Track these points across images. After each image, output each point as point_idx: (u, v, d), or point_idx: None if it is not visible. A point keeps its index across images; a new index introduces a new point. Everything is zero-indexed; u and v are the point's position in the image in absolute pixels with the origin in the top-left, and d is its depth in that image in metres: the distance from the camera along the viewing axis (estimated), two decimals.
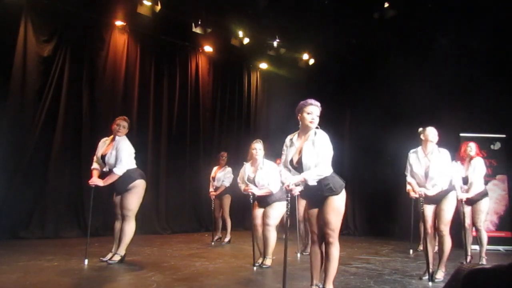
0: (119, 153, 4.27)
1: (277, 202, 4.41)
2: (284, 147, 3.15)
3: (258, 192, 4.45)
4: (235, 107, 9.38)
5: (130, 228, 4.33)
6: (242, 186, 4.64)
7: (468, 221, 5.12)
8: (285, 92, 9.63)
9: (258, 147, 4.53)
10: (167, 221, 7.85)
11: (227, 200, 6.59)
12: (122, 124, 4.40)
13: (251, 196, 4.51)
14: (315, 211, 3.03)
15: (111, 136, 4.47)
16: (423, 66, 7.21)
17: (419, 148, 4.08)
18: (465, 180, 4.94)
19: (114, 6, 7.24)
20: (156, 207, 7.74)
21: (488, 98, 6.83)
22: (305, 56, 9.23)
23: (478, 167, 4.90)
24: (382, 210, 8.33)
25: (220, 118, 9.15)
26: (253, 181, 4.52)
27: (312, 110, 3.03)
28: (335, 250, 2.95)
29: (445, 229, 3.92)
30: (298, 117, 3.09)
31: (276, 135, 9.09)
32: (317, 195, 2.97)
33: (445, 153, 3.99)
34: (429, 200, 3.95)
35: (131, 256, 4.69)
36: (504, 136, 7.13)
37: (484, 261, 4.91)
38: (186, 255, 5.19)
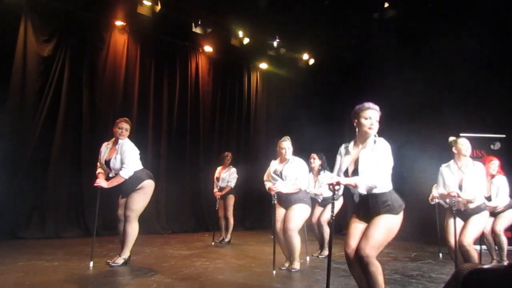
0: (124, 156, 4.16)
1: (299, 204, 4.21)
2: (338, 156, 2.86)
3: (284, 190, 4.19)
4: (235, 107, 9.38)
5: (132, 229, 4.18)
6: (267, 184, 4.37)
7: (488, 227, 4.95)
8: (285, 92, 9.64)
9: (286, 146, 4.27)
10: (167, 221, 7.85)
11: (231, 201, 6.59)
12: (124, 127, 4.26)
13: (275, 197, 4.23)
14: (362, 227, 2.67)
15: (113, 139, 4.35)
16: (423, 66, 7.21)
17: (452, 162, 3.91)
18: (488, 199, 4.66)
19: (114, 6, 7.24)
20: (156, 207, 7.72)
21: (488, 98, 6.84)
22: (305, 56, 9.25)
23: (502, 186, 4.73)
24: None
25: (220, 118, 9.15)
26: (280, 174, 4.27)
27: (371, 115, 2.69)
28: (375, 269, 2.52)
29: (470, 243, 3.70)
30: (354, 123, 2.77)
31: (276, 135, 9.10)
32: (369, 212, 2.62)
33: (480, 166, 3.82)
34: (461, 215, 3.80)
35: (131, 256, 4.69)
36: (504, 136, 7.13)
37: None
38: (186, 255, 5.19)
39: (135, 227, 4.21)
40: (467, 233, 3.73)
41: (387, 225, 2.58)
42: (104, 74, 7.21)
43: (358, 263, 2.58)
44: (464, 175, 3.78)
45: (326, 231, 5.39)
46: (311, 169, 5.32)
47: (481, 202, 3.80)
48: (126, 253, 4.23)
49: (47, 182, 6.37)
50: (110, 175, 4.24)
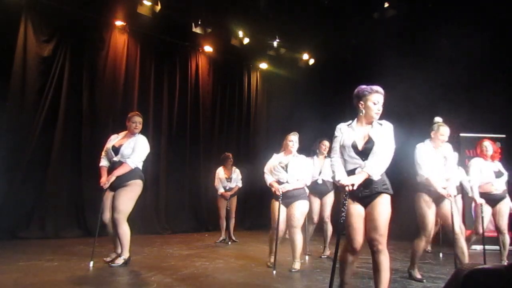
0: (137, 146, 4.26)
1: (299, 201, 4.27)
2: (338, 134, 2.82)
3: (291, 187, 4.26)
4: (235, 107, 9.38)
5: (123, 230, 4.13)
6: (269, 179, 4.39)
7: (490, 226, 5.01)
8: (285, 92, 9.64)
9: (294, 139, 4.40)
10: (167, 221, 7.85)
11: (235, 200, 6.72)
12: (138, 121, 4.36)
13: (280, 198, 4.25)
14: (362, 212, 2.68)
15: (124, 132, 4.43)
16: (423, 66, 7.21)
17: (428, 141, 3.98)
18: (499, 174, 4.81)
19: (114, 6, 7.24)
20: (156, 207, 7.74)
21: (488, 98, 6.83)
22: (305, 56, 9.25)
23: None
24: None
25: (220, 118, 9.15)
26: (285, 167, 4.33)
27: (378, 99, 2.70)
28: (386, 259, 2.61)
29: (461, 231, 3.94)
30: (360, 105, 2.75)
31: (276, 135, 9.09)
32: (371, 191, 2.63)
33: (450, 146, 4.03)
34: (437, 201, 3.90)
35: (131, 256, 4.69)
36: (504, 136, 7.13)
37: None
38: (186, 255, 5.19)
39: (126, 228, 4.15)
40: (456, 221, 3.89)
41: (386, 208, 2.64)
42: (104, 74, 7.20)
43: (372, 256, 2.64)
44: (445, 154, 3.93)
45: (329, 229, 5.40)
46: (320, 154, 5.38)
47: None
48: (125, 254, 4.22)
49: (47, 182, 6.37)
50: (114, 159, 4.24)
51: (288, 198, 4.28)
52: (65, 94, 6.63)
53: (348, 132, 2.79)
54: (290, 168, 4.31)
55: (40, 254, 4.73)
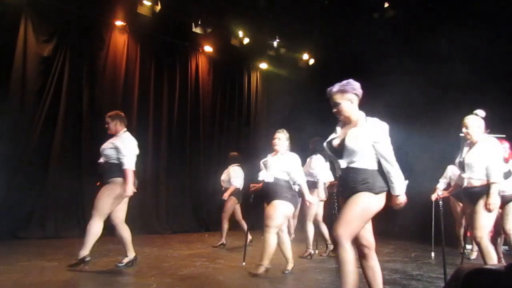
0: (119, 146, 4.09)
1: (278, 200, 3.94)
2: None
3: (311, 198, 4.22)
4: (235, 107, 9.38)
5: (91, 226, 3.86)
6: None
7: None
8: (285, 92, 9.63)
9: (278, 136, 4.18)
10: (167, 221, 7.85)
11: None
12: (106, 121, 4.30)
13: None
14: None
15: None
16: (423, 66, 7.21)
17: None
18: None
19: (114, 6, 7.24)
20: (156, 207, 7.74)
21: (488, 98, 6.82)
22: (305, 56, 9.25)
23: None
24: (381, 210, 8.32)
25: (220, 118, 9.15)
26: (265, 165, 4.21)
27: (331, 102, 2.85)
28: (343, 253, 2.39)
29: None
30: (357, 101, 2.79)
31: None
32: (349, 188, 2.53)
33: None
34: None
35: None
36: (504, 136, 7.13)
37: None
38: (186, 255, 5.19)
39: (94, 225, 3.87)
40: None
41: (363, 203, 2.47)
42: (104, 74, 7.20)
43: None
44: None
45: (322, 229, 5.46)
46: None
47: None
48: (85, 252, 3.86)
49: (47, 182, 6.37)
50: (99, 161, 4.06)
51: (269, 197, 4.11)
52: (65, 94, 6.63)
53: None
54: (269, 164, 4.19)
55: (40, 254, 4.74)
